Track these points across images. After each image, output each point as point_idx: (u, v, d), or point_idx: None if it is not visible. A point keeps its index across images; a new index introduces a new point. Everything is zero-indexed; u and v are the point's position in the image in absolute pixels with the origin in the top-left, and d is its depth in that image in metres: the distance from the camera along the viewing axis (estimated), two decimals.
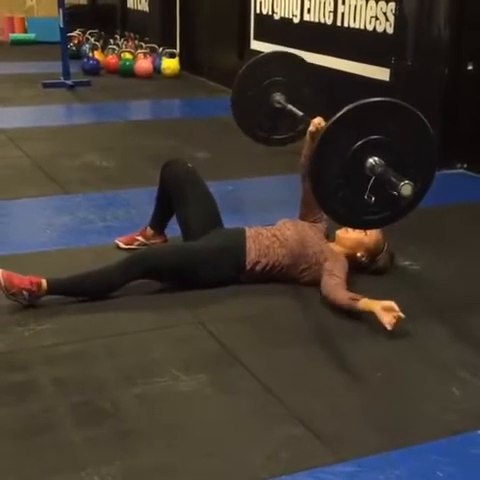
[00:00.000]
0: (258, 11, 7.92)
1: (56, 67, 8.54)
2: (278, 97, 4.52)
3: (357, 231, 3.56)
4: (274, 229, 3.57)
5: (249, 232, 3.53)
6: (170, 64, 9.46)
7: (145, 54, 9.61)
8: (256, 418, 2.55)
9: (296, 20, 7.31)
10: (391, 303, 3.05)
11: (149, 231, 3.85)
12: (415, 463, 2.33)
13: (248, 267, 3.45)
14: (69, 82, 8.39)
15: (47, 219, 4.34)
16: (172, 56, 9.53)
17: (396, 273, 3.73)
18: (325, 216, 3.56)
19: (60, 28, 8.37)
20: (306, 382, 2.78)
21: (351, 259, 3.55)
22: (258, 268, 3.46)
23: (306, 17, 7.12)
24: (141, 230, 3.87)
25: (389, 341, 3.06)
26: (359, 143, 2.87)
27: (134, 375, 2.77)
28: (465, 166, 5.64)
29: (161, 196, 3.77)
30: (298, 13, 7.27)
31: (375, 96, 2.91)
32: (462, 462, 2.35)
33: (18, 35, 12.19)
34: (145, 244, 3.82)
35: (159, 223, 3.85)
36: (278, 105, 4.53)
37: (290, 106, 4.45)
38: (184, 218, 3.67)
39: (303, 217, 3.70)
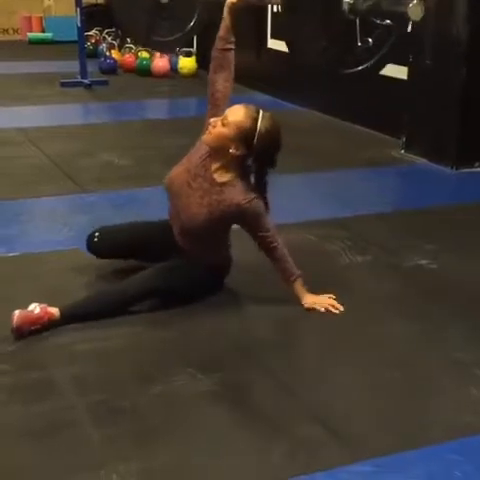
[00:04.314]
0: (275, 10, 7.90)
1: (73, 66, 8.57)
2: None
3: (218, 126, 3.14)
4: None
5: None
6: (187, 63, 9.47)
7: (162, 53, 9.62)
8: (273, 417, 2.55)
9: None
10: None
11: None
12: (433, 463, 2.32)
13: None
14: (86, 81, 8.42)
15: (65, 218, 4.35)
16: (189, 55, 9.54)
17: (412, 272, 3.72)
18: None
19: (77, 27, 8.39)
20: (324, 382, 2.77)
21: (231, 162, 3.18)
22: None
23: None
24: None
25: (406, 341, 3.05)
26: None
27: (152, 374, 2.78)
28: None
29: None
30: None
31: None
32: None
33: (36, 34, 12.23)
34: None
35: None
36: (164, 1, 3.88)
37: None
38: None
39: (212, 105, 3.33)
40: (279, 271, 3.28)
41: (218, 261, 3.36)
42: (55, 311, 3.05)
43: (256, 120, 3.12)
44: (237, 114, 3.14)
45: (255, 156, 3.19)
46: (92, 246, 3.53)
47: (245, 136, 3.11)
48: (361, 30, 2.48)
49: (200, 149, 3.32)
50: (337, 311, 3.23)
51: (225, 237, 3.37)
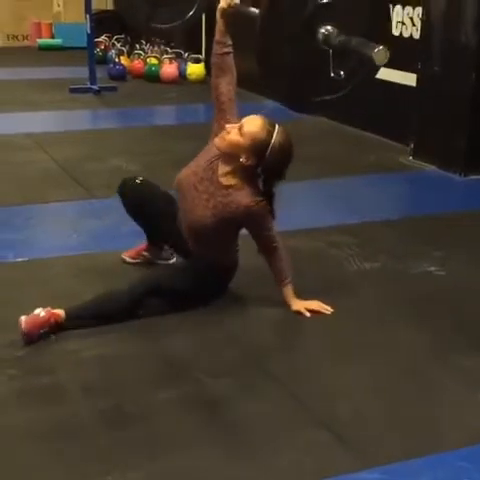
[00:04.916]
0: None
1: (83, 72, 8.60)
2: None
3: (233, 133, 3.14)
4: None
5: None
6: (195, 69, 9.50)
7: (171, 59, 9.65)
8: (280, 423, 2.54)
9: None
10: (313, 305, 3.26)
11: (151, 247, 3.73)
12: (441, 470, 2.31)
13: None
14: (95, 87, 8.45)
15: (74, 223, 4.37)
16: (197, 61, 9.57)
17: (420, 278, 3.71)
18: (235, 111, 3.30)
19: (87, 34, 8.43)
20: (331, 388, 2.77)
21: (240, 169, 3.18)
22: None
23: None
24: (146, 245, 3.75)
25: (413, 347, 3.05)
26: (307, 11, 2.49)
27: (160, 379, 2.78)
28: None
29: (137, 220, 3.65)
30: None
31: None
32: None
33: (45, 40, 12.29)
34: (150, 259, 3.72)
35: (154, 243, 3.72)
36: None
37: None
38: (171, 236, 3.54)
39: (218, 118, 3.34)
40: (275, 271, 3.29)
41: (224, 263, 3.36)
42: (60, 312, 3.06)
43: (271, 133, 3.11)
44: (253, 125, 3.13)
45: (264, 167, 3.19)
46: (128, 188, 3.60)
47: (259, 148, 3.11)
48: (334, 61, 2.55)
49: (209, 152, 3.32)
50: (328, 312, 3.26)
51: (232, 241, 3.36)
